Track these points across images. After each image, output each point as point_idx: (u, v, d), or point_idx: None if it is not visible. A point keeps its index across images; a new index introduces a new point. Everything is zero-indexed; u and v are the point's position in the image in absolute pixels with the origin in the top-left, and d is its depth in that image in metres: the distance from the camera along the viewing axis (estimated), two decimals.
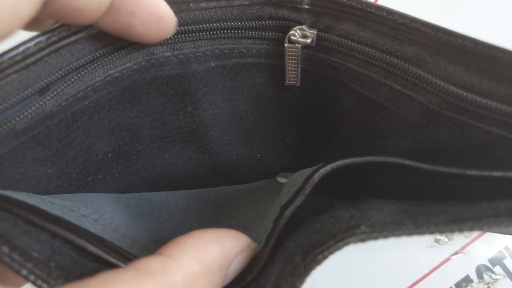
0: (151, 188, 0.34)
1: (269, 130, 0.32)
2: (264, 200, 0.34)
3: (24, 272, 0.17)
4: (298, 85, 0.27)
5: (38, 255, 0.18)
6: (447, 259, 0.40)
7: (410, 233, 0.15)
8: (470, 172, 0.19)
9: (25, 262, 0.17)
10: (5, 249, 0.17)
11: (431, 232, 0.15)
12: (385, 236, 0.16)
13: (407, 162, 0.20)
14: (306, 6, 0.23)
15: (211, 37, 0.25)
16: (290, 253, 0.18)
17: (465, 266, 0.40)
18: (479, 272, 0.40)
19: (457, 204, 0.17)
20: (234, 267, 0.19)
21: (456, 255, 0.40)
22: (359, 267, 0.40)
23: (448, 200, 0.19)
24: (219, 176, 0.36)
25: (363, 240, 0.16)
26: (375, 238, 0.16)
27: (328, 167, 0.20)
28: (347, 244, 0.16)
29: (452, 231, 0.15)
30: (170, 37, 0.24)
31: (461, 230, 0.15)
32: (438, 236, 0.41)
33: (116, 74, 0.24)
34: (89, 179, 0.29)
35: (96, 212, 0.27)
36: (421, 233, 0.15)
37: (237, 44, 0.25)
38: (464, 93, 0.20)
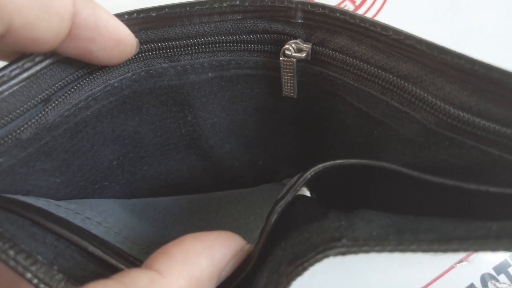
0: (157, 194, 0.34)
1: (270, 138, 0.31)
2: (267, 203, 0.34)
3: (28, 275, 0.17)
4: (295, 97, 0.25)
5: (42, 258, 0.18)
6: (452, 267, 0.39)
7: (391, 250, 0.15)
8: (467, 185, 0.18)
9: (29, 266, 0.17)
10: (11, 252, 0.17)
11: (413, 251, 0.15)
12: (366, 251, 0.15)
13: (398, 168, 0.20)
14: (299, 20, 0.22)
15: (207, 50, 0.24)
16: (278, 262, 0.17)
17: (469, 275, 0.38)
18: (484, 280, 0.38)
19: (451, 221, 0.16)
20: (227, 271, 0.19)
21: (461, 263, 0.39)
22: (363, 275, 0.39)
23: (446, 217, 0.18)
24: (222, 182, 0.35)
25: (343, 254, 0.15)
26: (355, 252, 0.15)
27: (321, 166, 0.20)
28: (326, 256, 0.15)
29: (434, 251, 0.14)
30: (167, 50, 0.24)
31: (444, 251, 0.14)
32: None
33: (115, 84, 0.24)
34: (96, 186, 0.29)
35: (100, 215, 0.27)
36: (402, 250, 0.15)
37: (234, 56, 0.24)
38: (461, 114, 0.19)
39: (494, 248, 0.14)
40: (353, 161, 0.20)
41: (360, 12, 0.44)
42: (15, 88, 0.20)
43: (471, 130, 0.19)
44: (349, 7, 0.44)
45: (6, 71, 0.19)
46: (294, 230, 0.19)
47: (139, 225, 0.30)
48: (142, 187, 0.33)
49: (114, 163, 0.29)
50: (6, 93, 0.19)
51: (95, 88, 0.23)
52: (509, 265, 0.38)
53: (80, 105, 0.23)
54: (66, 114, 0.23)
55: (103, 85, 0.23)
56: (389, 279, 0.39)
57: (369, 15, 0.44)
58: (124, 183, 0.31)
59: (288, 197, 0.19)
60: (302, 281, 0.15)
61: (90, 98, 0.23)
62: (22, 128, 0.21)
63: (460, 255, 0.39)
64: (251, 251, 0.19)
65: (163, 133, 0.29)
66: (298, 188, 0.20)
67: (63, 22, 0.18)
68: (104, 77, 0.23)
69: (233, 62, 0.25)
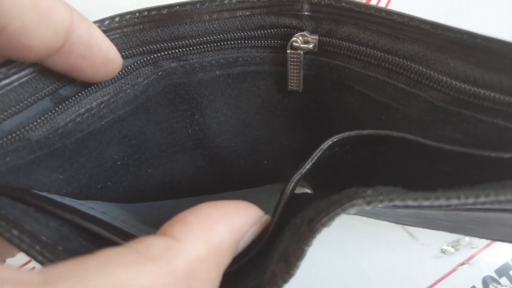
0: (161, 198, 0.34)
1: (275, 137, 0.31)
2: (273, 198, 0.33)
3: (33, 252, 0.17)
4: (300, 90, 0.26)
5: (46, 239, 0.17)
6: (453, 270, 0.38)
7: (415, 198, 0.15)
8: (477, 151, 0.19)
9: (34, 244, 0.17)
10: (15, 231, 0.17)
11: (437, 198, 0.14)
12: (391, 200, 0.15)
13: (410, 136, 0.20)
14: (306, 13, 0.23)
15: (215, 48, 0.24)
16: (297, 226, 0.17)
17: (471, 277, 0.38)
18: (485, 283, 0.38)
19: None
20: (245, 241, 0.18)
21: (462, 266, 0.39)
22: (366, 278, 0.39)
23: None
24: (228, 183, 0.35)
25: (369, 203, 0.15)
26: (381, 201, 0.15)
27: (336, 137, 0.20)
28: (353, 205, 0.15)
29: (458, 197, 0.14)
30: (176, 50, 0.24)
31: (467, 197, 0.14)
32: (445, 247, 0.39)
33: (128, 91, 0.24)
34: (99, 186, 0.29)
35: (104, 208, 0.26)
36: (426, 198, 0.15)
37: (241, 53, 0.25)
38: (467, 87, 0.19)
39: (507, 193, 0.14)
40: (369, 132, 0.20)
41: None
42: (24, 79, 0.20)
43: (477, 102, 0.19)
44: None
45: (17, 62, 0.19)
46: (310, 203, 0.19)
47: (144, 222, 0.30)
48: (146, 191, 0.32)
49: (118, 163, 0.29)
50: (16, 83, 0.20)
51: (106, 95, 0.23)
52: (510, 268, 0.38)
53: (93, 112, 0.23)
54: (78, 120, 0.23)
55: (115, 92, 0.23)
56: (392, 283, 0.38)
57: None
58: (127, 185, 0.31)
59: (306, 165, 0.19)
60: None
61: (103, 105, 0.23)
62: (31, 125, 0.21)
63: (461, 258, 0.39)
64: (268, 222, 0.19)
65: (169, 133, 0.29)
66: (315, 157, 0.20)
67: (58, 35, 0.18)
68: (116, 83, 0.23)
69: (240, 59, 0.25)
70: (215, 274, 0.16)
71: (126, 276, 0.13)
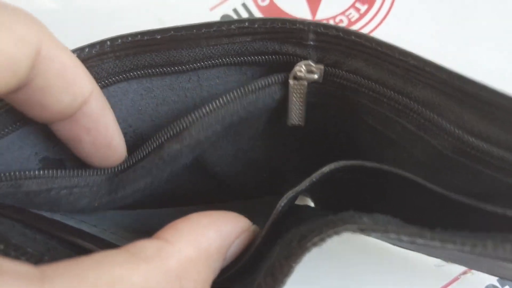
0: (162, 206, 0.33)
1: (277, 160, 0.30)
2: (271, 211, 0.33)
3: None
4: (302, 125, 0.24)
5: (32, 250, 0.18)
6: (456, 279, 0.38)
7: (410, 234, 0.14)
8: (483, 205, 0.18)
9: (19, 256, 0.17)
10: (1, 246, 0.17)
11: (433, 238, 0.14)
12: (385, 231, 0.14)
13: (416, 178, 0.20)
14: (311, 43, 0.21)
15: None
16: (288, 241, 0.17)
17: (474, 286, 0.38)
18: None
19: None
20: (233, 250, 0.19)
21: (465, 275, 0.38)
22: (366, 286, 0.38)
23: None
24: (228, 194, 0.34)
25: (362, 230, 0.15)
26: (375, 231, 0.15)
27: (338, 163, 0.20)
28: (346, 230, 0.15)
29: (453, 243, 0.14)
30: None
31: (463, 244, 0.14)
32: None
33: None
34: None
35: (96, 220, 0.26)
36: (422, 236, 0.14)
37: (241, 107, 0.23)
38: (480, 143, 0.18)
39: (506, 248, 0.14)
40: (373, 165, 0.20)
41: (363, 21, 0.43)
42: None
43: (489, 160, 0.18)
44: (353, 15, 0.43)
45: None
46: (306, 219, 0.19)
47: (140, 230, 0.29)
48: (146, 202, 0.32)
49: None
50: None
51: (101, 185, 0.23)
52: None
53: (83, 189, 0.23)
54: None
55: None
56: None
57: (372, 24, 0.43)
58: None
59: (302, 186, 0.19)
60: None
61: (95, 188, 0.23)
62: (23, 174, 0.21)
63: (464, 266, 0.38)
64: (258, 232, 0.19)
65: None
66: (313, 179, 0.20)
67: (74, 103, 0.18)
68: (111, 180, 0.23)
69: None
70: (206, 275, 0.17)
71: (120, 273, 0.13)
